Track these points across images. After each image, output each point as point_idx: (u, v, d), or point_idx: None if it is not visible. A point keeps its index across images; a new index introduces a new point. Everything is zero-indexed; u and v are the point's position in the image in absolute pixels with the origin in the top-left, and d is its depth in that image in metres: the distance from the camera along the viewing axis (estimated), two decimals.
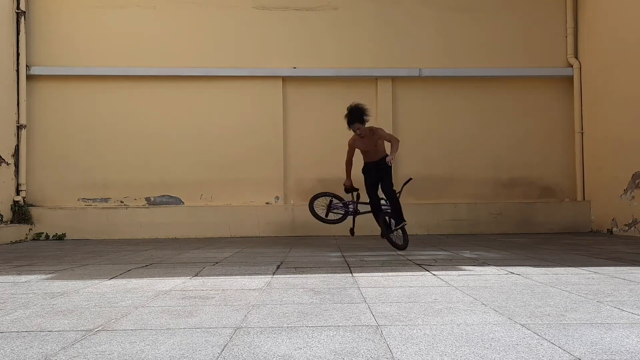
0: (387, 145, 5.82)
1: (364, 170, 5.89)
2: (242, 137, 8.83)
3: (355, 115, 5.61)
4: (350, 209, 6.11)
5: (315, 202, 6.26)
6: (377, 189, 5.78)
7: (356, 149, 5.89)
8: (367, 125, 5.71)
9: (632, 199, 7.78)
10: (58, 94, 8.70)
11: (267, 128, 8.84)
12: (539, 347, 1.86)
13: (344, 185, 6.02)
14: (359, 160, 5.99)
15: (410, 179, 6.09)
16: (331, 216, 6.19)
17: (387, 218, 5.72)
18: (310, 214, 6.25)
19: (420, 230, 8.66)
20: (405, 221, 5.62)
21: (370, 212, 5.90)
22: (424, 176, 8.98)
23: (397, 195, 5.73)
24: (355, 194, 6.05)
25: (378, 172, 5.73)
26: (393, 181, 5.81)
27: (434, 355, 1.78)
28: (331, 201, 6.18)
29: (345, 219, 6.21)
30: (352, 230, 6.15)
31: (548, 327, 2.15)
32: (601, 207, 8.56)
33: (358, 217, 6.16)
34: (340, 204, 6.19)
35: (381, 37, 9.00)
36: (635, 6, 7.67)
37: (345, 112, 5.69)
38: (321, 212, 6.22)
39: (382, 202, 5.81)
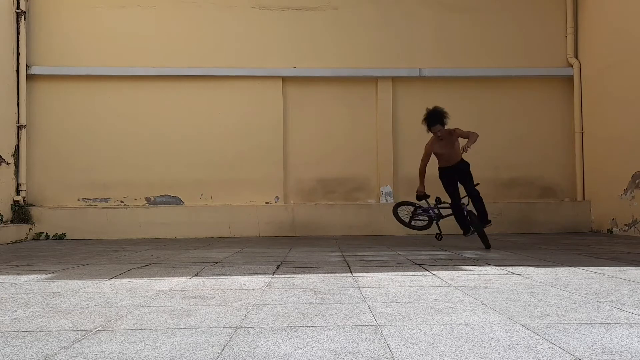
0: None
1: (441, 175, 6.01)
2: (242, 137, 8.83)
3: (436, 117, 5.77)
4: (433, 215, 6.20)
5: (400, 209, 6.37)
6: (457, 190, 5.94)
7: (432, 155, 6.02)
8: (446, 127, 5.84)
9: (632, 199, 7.78)
10: (58, 94, 8.70)
11: (267, 128, 8.84)
12: (539, 347, 1.86)
13: (417, 192, 6.12)
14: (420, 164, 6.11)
15: (478, 183, 6.05)
16: (415, 223, 6.35)
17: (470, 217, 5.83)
18: (395, 219, 6.35)
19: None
20: (491, 221, 5.88)
21: (452, 215, 6.07)
22: None
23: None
24: (435, 198, 6.20)
25: (458, 175, 5.89)
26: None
27: (434, 355, 1.78)
28: (416, 209, 6.31)
29: (430, 225, 6.29)
30: (439, 235, 6.36)
31: (548, 327, 2.15)
32: (601, 207, 8.56)
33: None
34: (421, 211, 6.28)
35: (381, 37, 9.00)
36: (635, 6, 7.66)
37: (424, 114, 5.88)
38: (405, 218, 6.33)
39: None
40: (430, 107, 5.92)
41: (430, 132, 5.92)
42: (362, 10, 9.02)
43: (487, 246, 5.67)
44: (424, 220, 6.29)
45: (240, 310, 2.53)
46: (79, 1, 8.78)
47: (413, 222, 6.32)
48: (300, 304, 2.66)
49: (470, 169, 5.93)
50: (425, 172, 6.06)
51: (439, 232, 6.33)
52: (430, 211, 6.20)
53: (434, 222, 6.21)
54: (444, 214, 6.21)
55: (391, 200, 8.81)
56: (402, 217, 6.28)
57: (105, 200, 8.70)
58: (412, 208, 6.35)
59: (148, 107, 8.79)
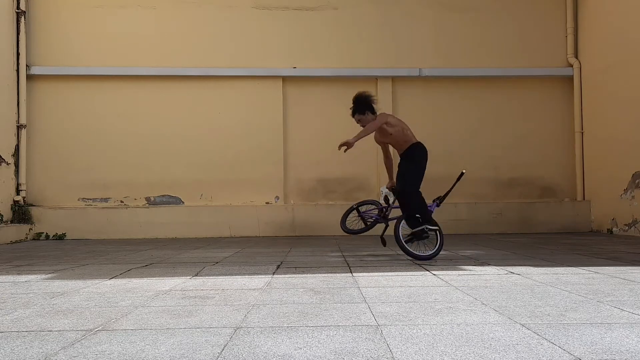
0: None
1: None
2: (242, 137, 8.83)
3: (354, 104, 4.92)
4: (378, 217, 5.07)
5: (347, 221, 5.16)
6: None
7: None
8: (379, 113, 4.92)
9: (632, 199, 7.78)
10: (58, 94, 8.70)
11: (267, 128, 8.84)
12: (538, 346, 1.86)
13: (386, 188, 5.29)
14: None
15: (462, 172, 5.23)
16: (370, 222, 5.11)
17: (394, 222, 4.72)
18: (350, 234, 5.18)
19: None
20: (424, 226, 4.61)
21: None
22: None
23: (442, 196, 5.04)
24: (384, 194, 5.20)
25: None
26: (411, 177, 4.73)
27: (434, 355, 1.78)
28: (358, 210, 5.14)
29: (373, 226, 5.08)
30: (382, 239, 5.13)
31: (548, 327, 2.15)
32: (601, 207, 8.56)
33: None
34: (375, 209, 5.17)
35: (381, 37, 9.00)
36: (635, 6, 7.67)
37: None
38: (356, 226, 5.13)
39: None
40: (356, 93, 4.99)
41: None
42: (362, 10, 9.02)
43: (418, 257, 4.59)
44: (369, 221, 5.07)
45: (240, 310, 2.53)
46: (79, 1, 8.78)
47: (369, 222, 5.06)
48: (300, 304, 2.66)
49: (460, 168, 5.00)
50: (390, 165, 5.23)
51: (382, 234, 5.16)
52: (384, 211, 5.10)
53: (379, 223, 5.06)
54: (390, 215, 5.08)
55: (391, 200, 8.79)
56: (355, 229, 5.08)
57: (105, 200, 8.70)
58: (354, 211, 5.17)
59: (148, 107, 8.79)
